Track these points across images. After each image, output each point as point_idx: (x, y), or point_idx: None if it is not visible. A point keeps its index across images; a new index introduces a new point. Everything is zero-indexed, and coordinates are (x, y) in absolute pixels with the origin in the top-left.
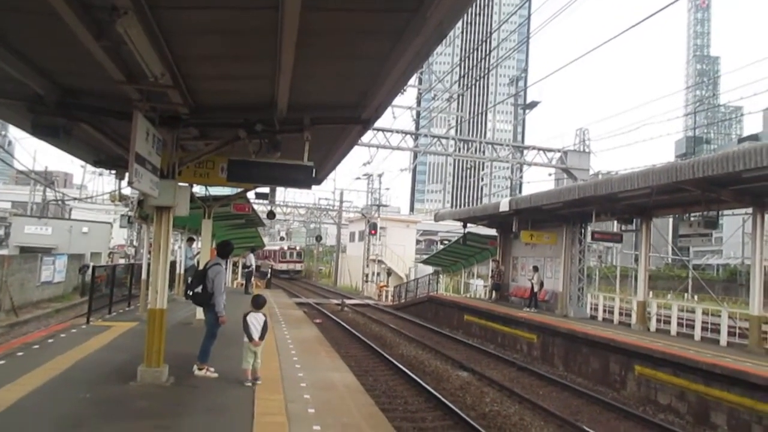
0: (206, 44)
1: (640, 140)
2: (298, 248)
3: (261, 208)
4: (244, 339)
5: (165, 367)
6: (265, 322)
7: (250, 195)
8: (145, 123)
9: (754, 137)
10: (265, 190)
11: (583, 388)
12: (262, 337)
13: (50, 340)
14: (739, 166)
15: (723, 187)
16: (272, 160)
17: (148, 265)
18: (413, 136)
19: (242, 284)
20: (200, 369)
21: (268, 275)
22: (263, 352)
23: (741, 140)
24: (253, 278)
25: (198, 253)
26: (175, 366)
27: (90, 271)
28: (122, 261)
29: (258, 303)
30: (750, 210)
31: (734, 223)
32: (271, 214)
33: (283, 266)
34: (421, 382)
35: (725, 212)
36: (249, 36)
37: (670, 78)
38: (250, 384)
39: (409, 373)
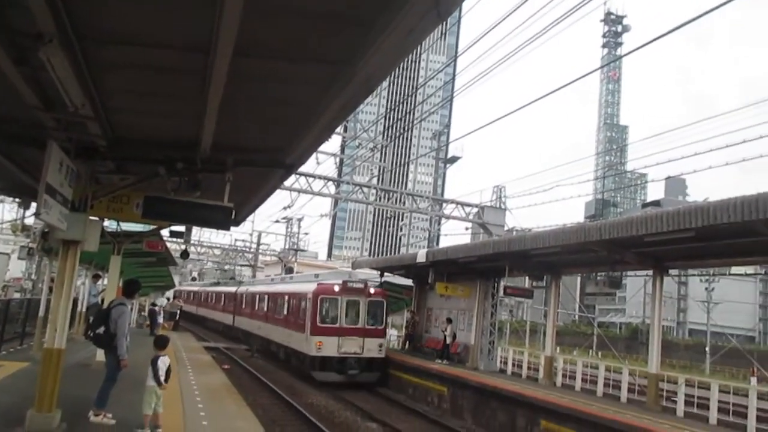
0: (132, 79)
1: (553, 200)
2: (372, 291)
3: (174, 246)
4: (148, 383)
5: (57, 412)
6: (170, 365)
7: (164, 232)
8: (59, 153)
9: (656, 203)
10: (181, 228)
11: (386, 395)
12: (167, 380)
13: None
14: (642, 231)
15: (627, 249)
16: (191, 199)
17: (47, 301)
18: (335, 183)
19: (148, 325)
20: (97, 415)
21: (177, 316)
22: (164, 396)
23: (644, 205)
24: (161, 319)
25: (103, 290)
26: (69, 411)
27: None
28: (17, 295)
29: (162, 343)
30: (650, 272)
31: (637, 283)
32: (185, 254)
33: (332, 343)
34: None
35: (628, 273)
36: (177, 75)
37: (582, 142)
38: (149, 431)
39: (318, 423)
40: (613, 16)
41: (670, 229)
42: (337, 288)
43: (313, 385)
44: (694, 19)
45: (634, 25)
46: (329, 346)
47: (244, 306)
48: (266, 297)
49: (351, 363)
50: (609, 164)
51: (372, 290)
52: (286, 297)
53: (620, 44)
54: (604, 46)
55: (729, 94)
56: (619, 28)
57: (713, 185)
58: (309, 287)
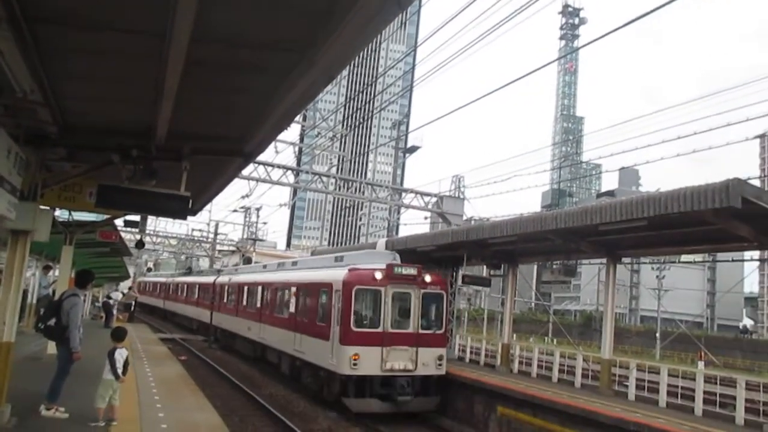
0: (85, 64)
1: (511, 190)
2: (429, 279)
3: (129, 236)
4: (105, 375)
5: (7, 406)
6: (127, 357)
7: (118, 222)
8: (7, 140)
9: (610, 193)
10: (136, 218)
11: (448, 428)
12: (124, 373)
13: None
14: (596, 220)
15: (582, 238)
16: (146, 188)
17: None
18: (294, 172)
19: (102, 317)
20: (48, 409)
21: (132, 308)
22: (120, 389)
23: (599, 195)
24: (115, 311)
25: (54, 281)
26: (20, 406)
27: None
28: None
29: (119, 335)
30: (605, 260)
31: (591, 271)
32: (140, 244)
33: (374, 356)
34: (289, 423)
35: (583, 262)
36: (132, 60)
37: (541, 133)
38: (102, 424)
39: (277, 413)
40: (570, 9)
41: (623, 219)
42: (379, 275)
43: (271, 376)
44: (648, 13)
45: (590, 17)
46: (369, 361)
47: (226, 300)
48: (260, 288)
49: (401, 385)
50: (565, 155)
51: (428, 277)
52: (295, 288)
53: (577, 36)
54: (561, 38)
55: (681, 87)
56: (576, 21)
57: (665, 176)
58: (334, 274)
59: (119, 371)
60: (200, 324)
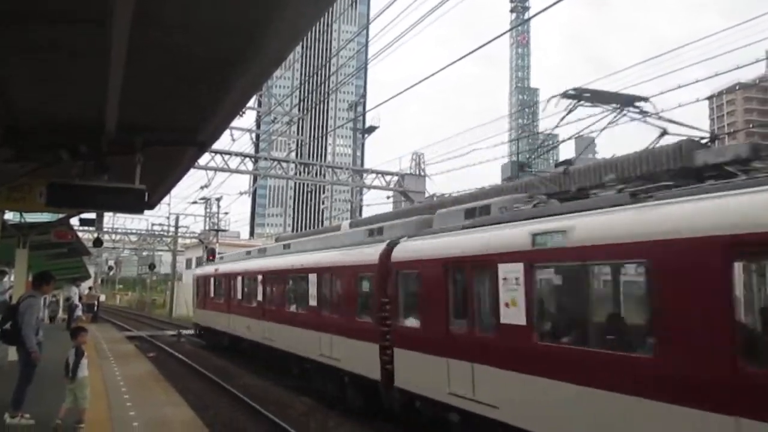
0: (24, 62)
1: (470, 164)
2: None
3: (86, 235)
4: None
5: None
6: (75, 357)
7: (74, 221)
8: None
9: (568, 162)
10: (92, 215)
11: None
12: (71, 374)
13: None
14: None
15: None
16: (100, 184)
17: None
18: (253, 159)
19: (64, 319)
20: (13, 417)
21: (95, 308)
22: (83, 390)
23: (557, 165)
24: (79, 312)
25: (10, 287)
26: None
27: None
28: None
29: (72, 334)
30: None
31: None
32: (98, 242)
33: None
34: (264, 411)
35: None
36: (74, 53)
37: (499, 107)
38: (59, 422)
39: (252, 403)
40: None
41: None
42: None
43: (246, 366)
44: None
45: None
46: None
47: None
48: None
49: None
50: (522, 126)
51: None
52: None
53: (527, 9)
54: (512, 10)
55: (629, 53)
56: None
57: (621, 142)
58: None
59: (69, 371)
60: None
